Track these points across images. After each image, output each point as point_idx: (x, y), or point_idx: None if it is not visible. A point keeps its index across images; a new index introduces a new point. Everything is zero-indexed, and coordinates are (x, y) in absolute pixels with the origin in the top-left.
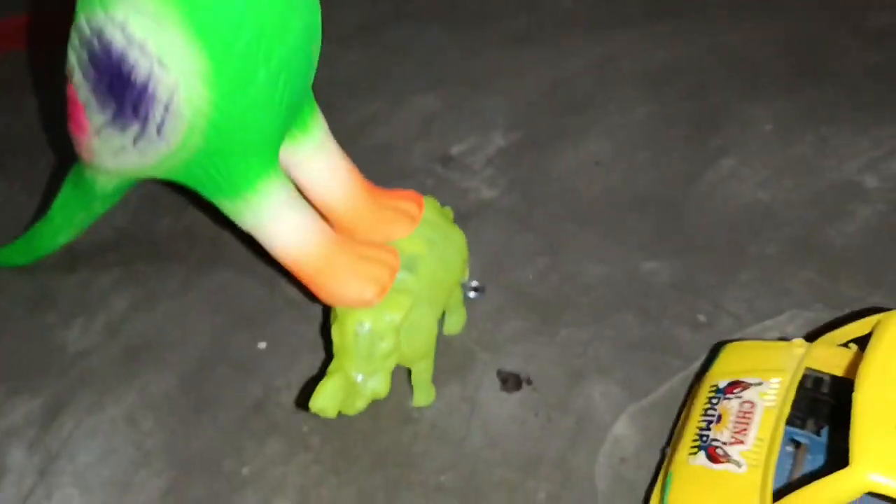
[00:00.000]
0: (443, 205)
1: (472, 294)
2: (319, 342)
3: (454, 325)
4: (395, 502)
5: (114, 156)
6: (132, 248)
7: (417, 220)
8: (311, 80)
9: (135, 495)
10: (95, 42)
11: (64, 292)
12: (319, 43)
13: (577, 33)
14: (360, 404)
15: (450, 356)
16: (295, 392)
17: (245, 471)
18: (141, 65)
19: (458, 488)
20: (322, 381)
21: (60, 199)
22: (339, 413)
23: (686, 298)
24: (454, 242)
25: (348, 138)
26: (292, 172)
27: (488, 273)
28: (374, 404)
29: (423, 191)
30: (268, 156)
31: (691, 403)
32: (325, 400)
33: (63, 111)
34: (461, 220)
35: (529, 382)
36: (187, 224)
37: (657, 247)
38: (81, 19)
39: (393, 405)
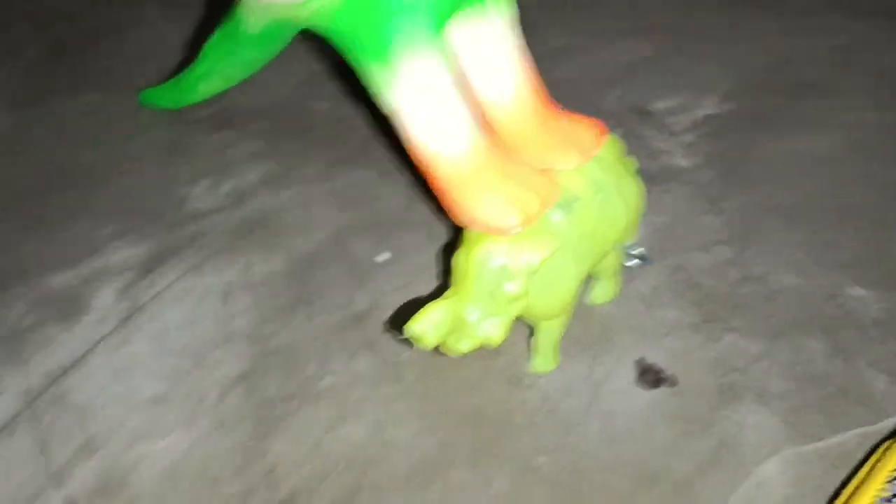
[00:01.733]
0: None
1: (632, 261)
2: (442, 274)
3: (602, 293)
4: (476, 469)
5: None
6: (281, 123)
7: (590, 155)
8: None
9: (205, 371)
10: None
11: (201, 149)
12: None
13: (811, 7)
14: (465, 345)
15: (586, 327)
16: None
17: (325, 382)
18: None
19: (553, 477)
20: (429, 305)
21: (211, 41)
22: (439, 348)
23: (892, 342)
24: (627, 195)
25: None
26: (460, 59)
27: (657, 247)
28: (484, 355)
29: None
30: (426, 21)
31: (873, 467)
32: (426, 326)
33: None
34: (645, 181)
35: (672, 384)
36: (342, 115)
37: (867, 271)
38: None
39: (506, 362)
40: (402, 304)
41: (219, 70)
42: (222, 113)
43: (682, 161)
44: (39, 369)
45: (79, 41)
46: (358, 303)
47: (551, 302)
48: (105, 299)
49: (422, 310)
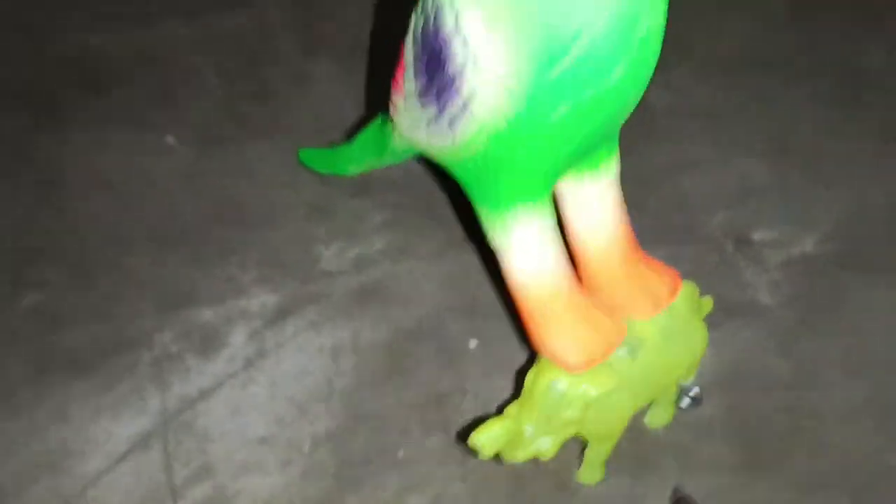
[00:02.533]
0: (711, 292)
1: (684, 402)
2: (524, 369)
3: (657, 418)
4: None
5: (409, 125)
6: (410, 197)
7: (661, 307)
8: (619, 126)
9: (305, 422)
10: (432, 16)
11: (340, 213)
12: (642, 91)
13: None
14: (520, 455)
15: (635, 446)
16: (477, 404)
17: (399, 454)
18: (458, 56)
19: None
20: (491, 420)
21: (363, 135)
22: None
23: None
24: (691, 341)
25: (654, 178)
26: (562, 202)
27: (720, 381)
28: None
29: (702, 265)
30: (539, 183)
31: None
32: (487, 440)
33: None
34: (724, 313)
35: None
36: (463, 197)
37: None
38: None
39: (558, 465)
40: (479, 394)
41: (366, 162)
42: (363, 180)
43: (766, 298)
44: (177, 394)
45: (259, 89)
46: (443, 383)
47: (604, 429)
48: (238, 339)
49: (485, 424)
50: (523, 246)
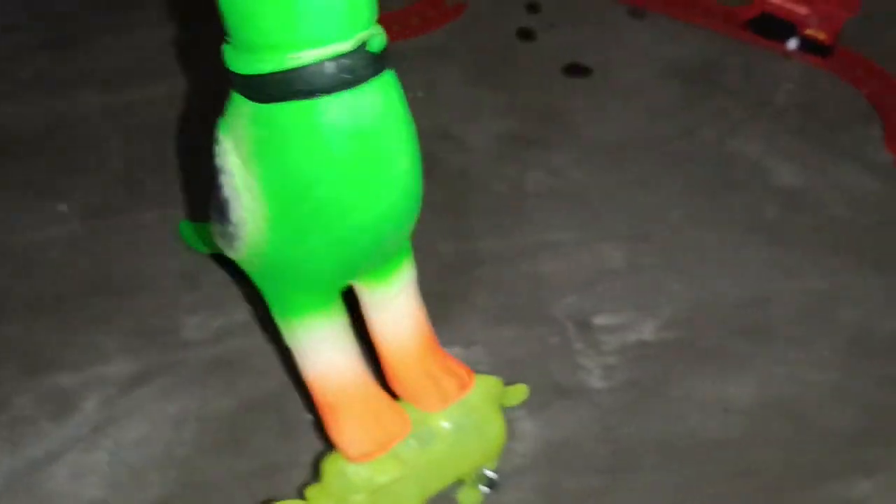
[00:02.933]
0: (546, 374)
1: (483, 487)
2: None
3: (467, 498)
4: None
5: (215, 234)
6: None
7: (450, 402)
8: (394, 245)
9: (138, 489)
10: (216, 145)
11: (208, 283)
12: (403, 223)
13: (809, 246)
14: None
15: None
16: (308, 476)
17: None
18: (227, 185)
19: None
20: (284, 502)
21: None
22: None
23: None
24: (486, 433)
25: (514, 258)
26: (361, 302)
27: (536, 463)
28: None
29: (542, 346)
30: (317, 298)
31: None
32: None
33: None
34: (554, 395)
35: None
36: None
37: None
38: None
39: None
40: (313, 463)
41: (204, 247)
42: None
43: (597, 382)
44: (26, 456)
45: (158, 160)
46: (277, 455)
47: None
48: (91, 405)
49: None
50: (309, 349)
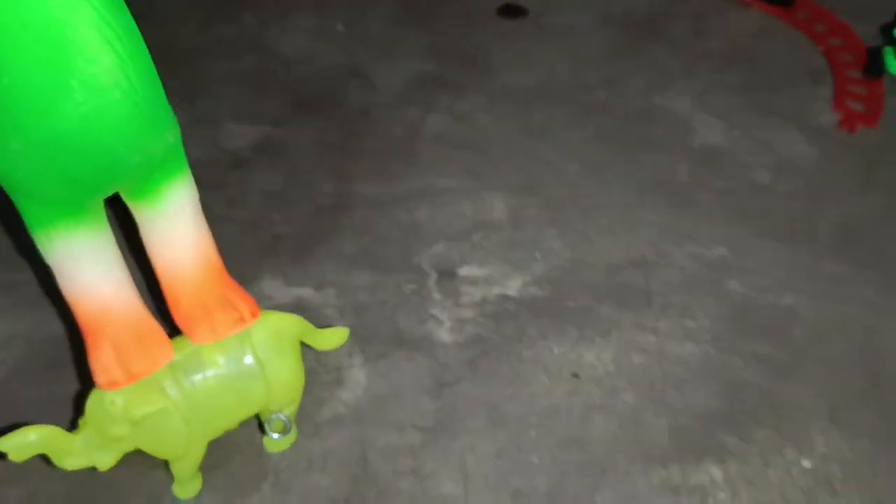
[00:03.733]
0: (392, 322)
1: (274, 434)
2: None
3: (269, 444)
4: None
5: None
6: None
7: (221, 336)
8: (136, 161)
9: None
10: None
11: None
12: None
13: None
14: (69, 463)
15: (243, 466)
16: None
17: None
18: None
19: None
20: (26, 428)
21: None
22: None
23: None
24: (273, 374)
25: (395, 203)
26: (138, 226)
27: (358, 414)
28: (147, 468)
29: (396, 294)
30: (57, 210)
31: None
32: (12, 445)
33: None
34: (394, 345)
35: None
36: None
37: None
38: None
39: (164, 478)
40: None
41: None
42: None
43: (444, 335)
44: None
45: None
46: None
47: (159, 449)
48: None
49: (16, 431)
50: (63, 265)
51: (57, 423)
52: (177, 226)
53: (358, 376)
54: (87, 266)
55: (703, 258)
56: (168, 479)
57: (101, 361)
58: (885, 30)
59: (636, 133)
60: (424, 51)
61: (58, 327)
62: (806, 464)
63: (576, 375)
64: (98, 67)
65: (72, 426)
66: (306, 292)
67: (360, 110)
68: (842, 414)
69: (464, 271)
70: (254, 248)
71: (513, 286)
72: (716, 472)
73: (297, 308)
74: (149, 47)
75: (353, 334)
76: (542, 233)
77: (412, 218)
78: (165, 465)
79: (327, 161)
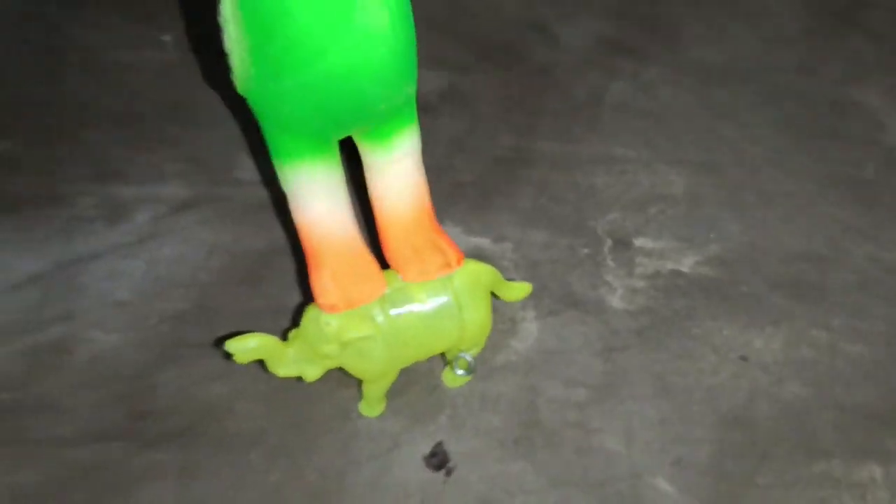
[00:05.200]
0: (565, 283)
1: (459, 370)
2: None
3: (448, 378)
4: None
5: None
6: None
7: (428, 278)
8: (383, 105)
9: (160, 301)
10: None
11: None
12: (396, 74)
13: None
14: (280, 371)
15: (424, 397)
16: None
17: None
18: (220, 13)
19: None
20: (250, 334)
21: None
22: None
23: None
24: (466, 317)
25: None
26: (364, 166)
27: (529, 363)
28: (337, 385)
29: (571, 255)
30: (305, 144)
31: None
32: (238, 348)
33: None
34: (566, 304)
35: (448, 473)
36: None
37: None
38: None
39: (344, 395)
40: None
41: None
42: None
43: (616, 302)
44: (74, 250)
45: None
46: (286, 299)
47: (360, 370)
48: (142, 218)
49: (243, 336)
50: (300, 195)
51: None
52: (400, 171)
53: (530, 329)
54: (320, 197)
55: (882, 261)
56: (356, 397)
57: (323, 286)
58: None
59: (824, 123)
60: (612, 13)
61: (256, 243)
62: None
63: (744, 358)
64: (374, 23)
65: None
66: (484, 243)
67: (542, 68)
68: None
69: (638, 242)
70: (436, 194)
71: (686, 263)
72: (877, 472)
73: (475, 257)
74: None
75: (526, 275)
76: (718, 213)
77: (590, 182)
78: (357, 385)
79: (509, 115)
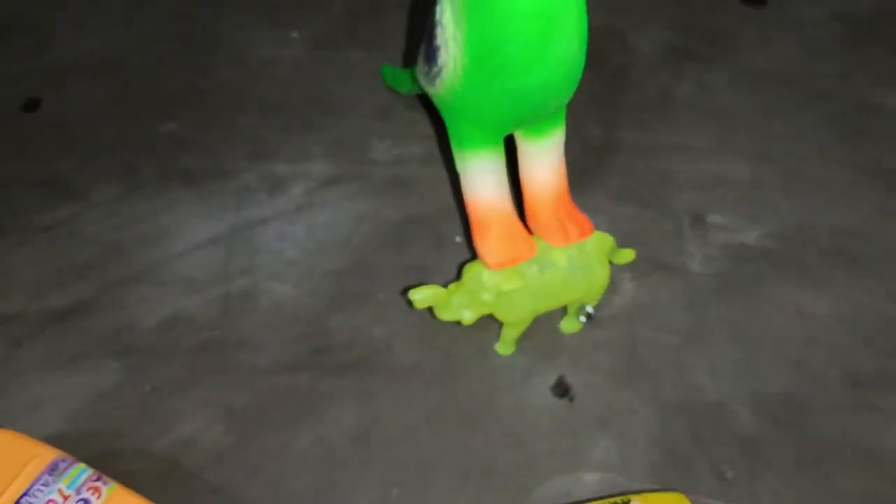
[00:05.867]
0: (653, 250)
1: (582, 318)
2: None
3: (568, 326)
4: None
5: (420, 74)
6: None
7: (570, 243)
8: (551, 111)
9: (323, 258)
10: (437, 4)
11: (396, 119)
12: (565, 92)
13: None
14: (445, 316)
15: (546, 340)
16: (443, 278)
17: (380, 296)
18: (440, 35)
19: (465, 409)
20: (428, 285)
21: (409, 70)
22: (430, 310)
23: None
24: (591, 275)
25: (652, 152)
26: (519, 152)
27: (629, 314)
28: (475, 329)
29: (657, 227)
30: (487, 136)
31: None
32: (418, 296)
33: None
34: (655, 267)
35: (571, 399)
36: None
37: None
38: None
39: (483, 338)
40: (451, 271)
41: (408, 87)
42: (422, 99)
43: (696, 266)
44: (245, 216)
45: (369, 11)
46: (427, 260)
47: (509, 316)
48: (297, 191)
49: (421, 286)
50: (472, 176)
51: (403, 284)
52: (548, 158)
53: (628, 287)
54: (489, 178)
55: None
56: (492, 339)
57: (490, 249)
58: None
59: (855, 121)
60: (677, 24)
61: (394, 214)
62: None
63: (800, 313)
64: (568, 48)
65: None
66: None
67: (619, 68)
68: None
69: (711, 218)
70: None
71: (751, 236)
72: None
73: None
74: None
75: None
76: (774, 196)
77: (667, 166)
78: (494, 328)
79: (594, 108)
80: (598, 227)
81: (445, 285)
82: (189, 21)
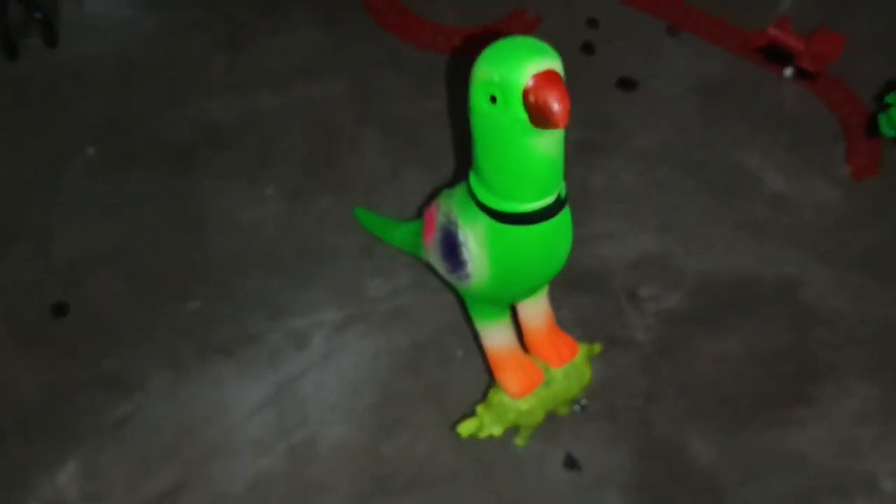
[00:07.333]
0: (604, 329)
1: (577, 408)
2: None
3: (560, 411)
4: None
5: (433, 261)
6: None
7: (565, 362)
8: (539, 289)
9: (357, 397)
10: (452, 228)
11: (379, 256)
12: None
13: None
14: (482, 434)
15: (549, 425)
16: (463, 394)
17: (412, 419)
18: (466, 254)
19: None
20: (469, 420)
21: (406, 227)
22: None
23: None
24: (581, 378)
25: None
26: (519, 305)
27: (602, 389)
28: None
29: (601, 309)
30: (500, 310)
31: None
32: (465, 429)
33: None
34: (610, 345)
35: (577, 470)
36: None
37: None
38: (449, 206)
39: (504, 437)
40: (464, 386)
41: (399, 244)
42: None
43: (640, 335)
44: (284, 373)
45: (327, 154)
46: (439, 378)
47: (528, 423)
48: (318, 340)
49: (465, 422)
50: (489, 333)
51: (431, 409)
52: (540, 305)
53: (597, 365)
54: (502, 333)
55: (784, 276)
56: (509, 434)
57: (510, 384)
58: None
59: (726, 184)
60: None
61: (402, 342)
62: None
63: (723, 358)
64: (563, 251)
65: None
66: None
67: None
68: None
69: (642, 292)
70: None
71: (673, 300)
72: (804, 413)
73: None
74: None
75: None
76: (681, 261)
77: (600, 254)
78: (515, 430)
79: None
80: (560, 320)
81: (459, 399)
82: (171, 195)
